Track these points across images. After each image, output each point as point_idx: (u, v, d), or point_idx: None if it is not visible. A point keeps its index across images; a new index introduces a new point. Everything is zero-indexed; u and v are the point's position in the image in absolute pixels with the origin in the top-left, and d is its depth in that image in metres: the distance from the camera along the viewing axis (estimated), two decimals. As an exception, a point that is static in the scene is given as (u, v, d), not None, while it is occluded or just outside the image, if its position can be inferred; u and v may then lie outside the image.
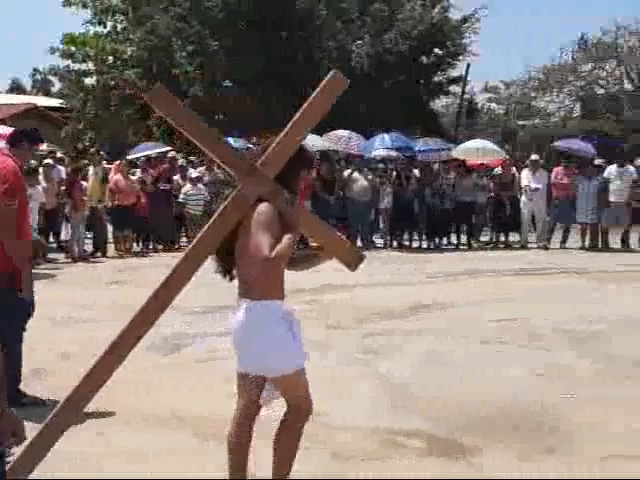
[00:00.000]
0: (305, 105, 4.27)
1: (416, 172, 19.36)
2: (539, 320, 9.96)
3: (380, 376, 7.50)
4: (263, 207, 4.13)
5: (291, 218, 4.16)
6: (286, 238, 4.06)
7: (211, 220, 4.25)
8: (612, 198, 18.28)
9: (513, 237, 19.54)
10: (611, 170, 18.61)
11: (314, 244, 4.42)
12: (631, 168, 18.94)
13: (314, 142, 18.34)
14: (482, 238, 20.03)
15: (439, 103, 39.07)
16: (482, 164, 20.30)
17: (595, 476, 5.16)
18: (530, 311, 10.55)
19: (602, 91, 35.51)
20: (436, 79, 32.79)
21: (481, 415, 6.32)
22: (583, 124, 32.57)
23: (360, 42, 29.35)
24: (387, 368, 7.74)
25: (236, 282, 4.40)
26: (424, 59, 31.39)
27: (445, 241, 19.53)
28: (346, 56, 28.76)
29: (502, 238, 19.51)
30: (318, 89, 4.27)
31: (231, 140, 21.98)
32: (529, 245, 19.10)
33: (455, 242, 19.56)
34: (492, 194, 19.44)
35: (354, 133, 21.51)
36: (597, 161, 19.39)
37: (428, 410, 6.45)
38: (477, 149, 20.80)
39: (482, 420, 6.21)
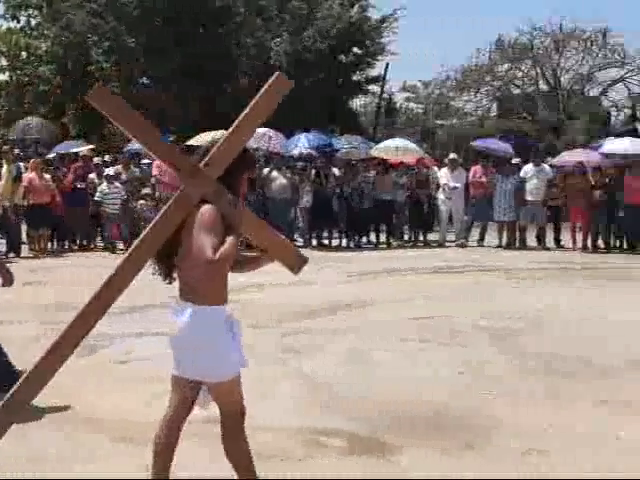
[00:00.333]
0: (249, 106, 4.25)
1: (335, 170, 19.38)
2: (459, 318, 10.04)
3: (303, 375, 7.46)
4: (206, 209, 4.06)
5: (234, 220, 4.10)
6: (230, 240, 3.99)
7: (153, 221, 4.18)
8: (529, 197, 18.57)
9: (432, 236, 19.71)
10: (527, 169, 18.92)
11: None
12: (547, 167, 19.33)
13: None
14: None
15: (358, 102, 39.27)
16: (402, 162, 20.43)
17: (516, 470, 5.20)
18: (449, 309, 10.63)
19: (518, 91, 36.13)
20: (355, 78, 32.90)
21: (402, 413, 6.32)
22: (500, 124, 33.14)
23: (279, 40, 29.30)
24: (309, 367, 7.71)
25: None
26: (343, 58, 31.46)
27: (365, 240, 19.58)
28: (265, 54, 28.68)
29: (421, 237, 19.66)
30: (262, 90, 4.26)
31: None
32: (447, 243, 19.28)
33: (375, 241, 19.64)
34: (409, 192, 19.54)
35: (272, 131, 21.40)
36: (514, 160, 19.72)
37: (350, 409, 6.43)
38: (396, 148, 20.96)
39: (403, 418, 6.21)
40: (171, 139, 19.82)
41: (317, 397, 6.81)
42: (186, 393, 4.31)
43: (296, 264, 4.43)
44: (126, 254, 4.15)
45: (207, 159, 4.18)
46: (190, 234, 4.06)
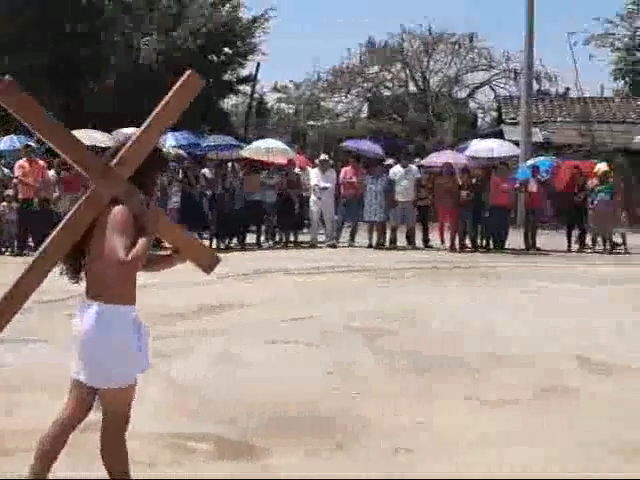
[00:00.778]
0: (160, 105, 4.18)
1: (206, 171, 19.21)
2: (330, 318, 10.06)
3: (170, 380, 7.32)
4: (118, 209, 4.00)
5: (146, 220, 4.04)
6: (142, 241, 3.95)
7: (63, 221, 4.08)
8: (399, 198, 18.80)
9: (303, 236, 19.73)
10: (396, 170, 19.16)
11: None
12: (414, 168, 19.63)
13: (100, 140, 17.86)
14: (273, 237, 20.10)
15: (229, 102, 39.12)
16: (273, 163, 20.44)
17: (384, 469, 5.23)
18: (321, 309, 10.65)
19: (388, 93, 36.59)
20: (226, 78, 32.78)
21: (272, 415, 6.29)
22: (370, 125, 33.45)
23: (148, 38, 28.91)
24: (178, 371, 7.57)
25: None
26: (214, 57, 31.30)
27: (235, 241, 19.43)
28: (134, 53, 28.26)
29: (292, 238, 19.66)
30: (173, 89, 4.19)
31: (15, 138, 21.08)
32: (318, 244, 19.33)
33: (245, 242, 19.50)
34: (280, 193, 19.51)
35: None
36: (388, 161, 19.99)
37: (219, 413, 6.36)
38: (267, 148, 20.96)
39: (273, 420, 6.18)
40: (37, 138, 19.24)
41: (185, 401, 6.71)
42: (84, 395, 4.22)
43: (208, 264, 4.39)
44: (36, 254, 4.07)
45: (118, 159, 4.12)
46: (102, 235, 4.01)
